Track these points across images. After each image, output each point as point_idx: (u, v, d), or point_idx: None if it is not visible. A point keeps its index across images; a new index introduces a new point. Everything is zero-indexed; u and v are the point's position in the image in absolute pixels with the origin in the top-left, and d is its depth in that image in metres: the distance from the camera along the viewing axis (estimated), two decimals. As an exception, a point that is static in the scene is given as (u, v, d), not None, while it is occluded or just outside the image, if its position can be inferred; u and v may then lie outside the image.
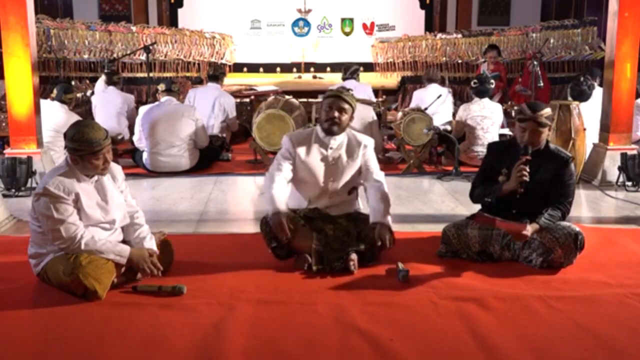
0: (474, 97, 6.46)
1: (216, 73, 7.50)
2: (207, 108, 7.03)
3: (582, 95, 5.97)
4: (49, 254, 3.12)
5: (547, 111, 3.50)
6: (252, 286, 3.22)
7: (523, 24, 10.02)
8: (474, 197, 3.72)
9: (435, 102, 7.03)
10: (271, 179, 3.50)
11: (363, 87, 7.51)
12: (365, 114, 6.03)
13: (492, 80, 6.53)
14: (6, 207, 4.51)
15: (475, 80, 6.51)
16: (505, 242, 3.53)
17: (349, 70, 7.57)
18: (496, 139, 6.05)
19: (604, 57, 6.19)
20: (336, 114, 3.53)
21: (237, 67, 10.93)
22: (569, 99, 6.44)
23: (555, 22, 9.60)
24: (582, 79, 6.14)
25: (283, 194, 3.48)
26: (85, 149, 3.03)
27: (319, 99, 5.93)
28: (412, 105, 7.39)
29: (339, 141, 3.62)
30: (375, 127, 6.18)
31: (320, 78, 10.90)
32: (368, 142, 3.70)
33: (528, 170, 3.42)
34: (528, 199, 3.49)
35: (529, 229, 3.37)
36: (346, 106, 3.55)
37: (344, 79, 7.43)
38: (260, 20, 11.63)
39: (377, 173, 3.66)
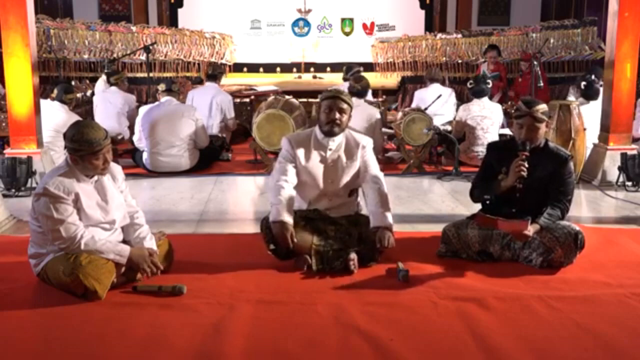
0: (472, 97, 6.47)
1: (214, 72, 7.48)
2: (205, 108, 7.02)
3: (596, 95, 6.00)
4: (49, 254, 3.12)
5: (542, 107, 3.54)
6: (252, 286, 3.21)
7: (523, 24, 10.03)
8: (474, 197, 3.72)
9: (438, 103, 7.04)
10: (278, 185, 3.45)
11: None
12: (372, 112, 6.15)
13: (489, 80, 6.53)
14: (6, 207, 4.51)
15: (471, 81, 6.53)
16: (505, 241, 3.53)
17: (350, 71, 7.58)
18: (496, 139, 6.04)
19: (604, 57, 6.19)
20: (337, 115, 3.52)
21: (237, 67, 10.93)
22: (577, 98, 6.45)
23: (555, 22, 9.60)
24: (593, 77, 6.16)
25: (290, 202, 3.42)
26: (85, 149, 3.03)
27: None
28: (414, 105, 7.40)
29: (337, 142, 3.61)
30: (379, 127, 6.25)
31: (320, 78, 10.90)
32: (366, 142, 3.69)
33: (526, 165, 3.43)
34: (528, 197, 3.49)
35: (531, 229, 3.37)
36: (345, 106, 3.55)
37: (344, 79, 7.43)
38: (260, 20, 11.64)
39: (376, 173, 3.64)
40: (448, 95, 7.42)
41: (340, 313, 2.90)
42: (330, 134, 3.55)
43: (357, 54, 11.12)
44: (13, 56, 5.15)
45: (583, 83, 6.32)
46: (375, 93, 8.27)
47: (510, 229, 3.44)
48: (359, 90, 6.29)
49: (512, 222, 3.42)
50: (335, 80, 9.71)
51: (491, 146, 3.82)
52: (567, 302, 3.02)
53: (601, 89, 6.06)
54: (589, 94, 6.13)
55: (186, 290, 3.10)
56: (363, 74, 7.53)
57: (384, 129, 6.90)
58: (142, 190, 5.51)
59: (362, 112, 6.09)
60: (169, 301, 3.03)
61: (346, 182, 3.64)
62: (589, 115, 5.76)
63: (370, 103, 6.51)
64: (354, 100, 6.06)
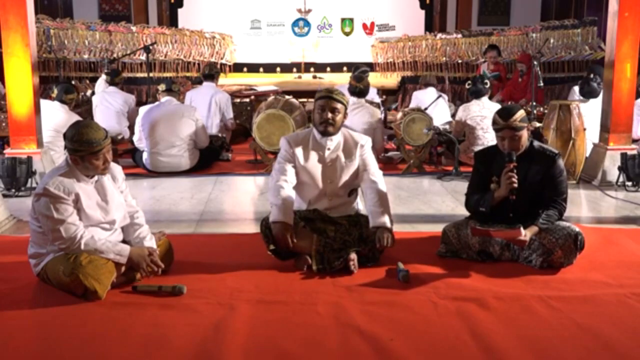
0: (472, 97, 6.48)
1: (211, 72, 7.43)
2: (204, 108, 7.01)
3: (593, 93, 5.99)
4: (49, 254, 3.12)
5: (520, 114, 3.46)
6: (252, 286, 3.22)
7: (523, 24, 10.02)
8: (469, 208, 3.71)
9: (430, 107, 7.05)
10: (278, 186, 3.45)
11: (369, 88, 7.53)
12: (376, 111, 6.25)
13: (486, 80, 6.54)
14: (6, 207, 4.51)
15: (469, 82, 6.54)
16: (505, 242, 3.52)
17: (358, 70, 7.60)
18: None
19: (603, 57, 6.18)
20: (329, 115, 3.51)
21: (237, 67, 10.92)
22: (577, 97, 6.44)
23: (555, 22, 9.60)
24: (591, 75, 6.15)
25: (289, 202, 3.42)
26: (85, 149, 3.03)
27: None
28: (412, 105, 7.41)
29: (335, 142, 3.61)
30: (381, 126, 6.28)
31: (320, 78, 10.89)
32: (365, 141, 3.68)
33: (516, 177, 3.41)
34: (523, 202, 3.47)
35: (527, 234, 3.36)
36: (339, 105, 3.53)
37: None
38: (260, 20, 11.63)
39: (375, 172, 3.63)
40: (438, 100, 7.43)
41: (340, 313, 2.90)
42: (324, 133, 3.55)
43: (357, 54, 11.12)
44: (13, 56, 5.15)
45: (580, 81, 6.33)
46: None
47: (505, 237, 3.43)
48: (361, 90, 6.30)
49: (505, 231, 3.41)
50: (335, 80, 9.71)
51: (478, 155, 3.78)
52: (567, 302, 3.03)
53: (601, 88, 6.07)
54: (584, 92, 6.12)
55: (186, 290, 3.10)
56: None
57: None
58: (142, 190, 5.51)
59: (363, 112, 6.11)
60: (169, 301, 3.03)
61: (345, 182, 3.64)
62: (588, 115, 5.76)
63: (371, 103, 6.52)
64: (355, 100, 6.13)
